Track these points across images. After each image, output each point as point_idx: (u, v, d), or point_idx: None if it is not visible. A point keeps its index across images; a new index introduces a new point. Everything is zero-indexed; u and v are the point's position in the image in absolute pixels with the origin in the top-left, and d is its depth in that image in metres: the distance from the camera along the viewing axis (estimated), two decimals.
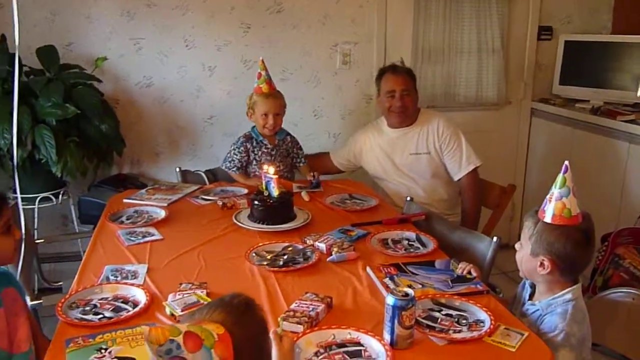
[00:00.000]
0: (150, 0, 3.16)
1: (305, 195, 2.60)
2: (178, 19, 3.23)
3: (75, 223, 3.17)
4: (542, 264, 1.64)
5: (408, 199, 2.55)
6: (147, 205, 2.46)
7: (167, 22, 3.22)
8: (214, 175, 2.99)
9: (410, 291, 1.47)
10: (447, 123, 2.86)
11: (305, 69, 3.48)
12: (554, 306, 1.67)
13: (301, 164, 3.00)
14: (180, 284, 1.73)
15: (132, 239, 2.10)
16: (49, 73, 2.85)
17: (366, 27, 3.50)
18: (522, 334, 1.53)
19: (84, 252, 2.06)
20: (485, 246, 2.12)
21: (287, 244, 2.04)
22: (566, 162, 1.64)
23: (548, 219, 1.63)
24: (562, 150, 3.70)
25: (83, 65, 3.06)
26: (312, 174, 2.82)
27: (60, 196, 2.96)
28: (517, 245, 1.75)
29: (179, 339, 0.96)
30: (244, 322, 1.06)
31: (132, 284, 1.74)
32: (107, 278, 1.79)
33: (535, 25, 3.82)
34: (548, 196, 1.66)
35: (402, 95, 2.84)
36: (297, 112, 3.50)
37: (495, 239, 2.08)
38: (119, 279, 1.78)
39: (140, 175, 3.36)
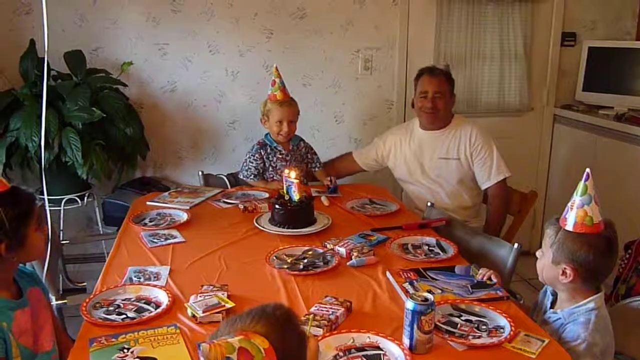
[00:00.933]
0: (175, 6, 3.21)
1: (325, 200, 2.61)
2: (203, 24, 3.27)
3: (99, 225, 3.22)
4: (564, 273, 1.64)
5: (429, 204, 2.55)
6: (169, 208, 2.50)
7: (192, 27, 3.26)
8: (236, 179, 3.02)
9: (429, 296, 1.47)
10: (480, 131, 2.85)
11: (326, 74, 3.50)
12: (576, 315, 1.66)
13: (317, 169, 3.01)
14: (202, 285, 1.75)
15: (155, 241, 2.13)
16: (75, 77, 2.91)
17: (388, 32, 3.51)
18: (543, 341, 1.52)
19: (108, 253, 2.10)
20: (506, 252, 2.11)
21: (307, 248, 2.06)
22: (587, 170, 1.63)
23: (570, 226, 1.63)
24: (585, 157, 3.67)
25: (109, 70, 3.12)
26: (329, 178, 2.84)
27: (86, 198, 3.02)
28: (538, 253, 1.74)
29: (234, 356, 0.98)
30: (286, 337, 1.06)
31: (155, 285, 1.76)
32: (130, 279, 1.82)
33: (558, 31, 3.79)
34: (569, 204, 1.65)
35: (434, 97, 2.83)
36: (318, 117, 3.53)
37: (516, 245, 2.07)
38: (141, 280, 1.81)
39: (164, 178, 3.41)
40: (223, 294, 1.68)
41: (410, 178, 2.93)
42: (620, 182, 3.36)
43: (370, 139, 3.51)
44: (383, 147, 3.03)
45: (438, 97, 2.82)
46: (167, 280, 1.82)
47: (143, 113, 3.28)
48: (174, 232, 2.22)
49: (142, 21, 3.21)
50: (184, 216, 2.38)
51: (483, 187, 2.85)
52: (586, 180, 1.64)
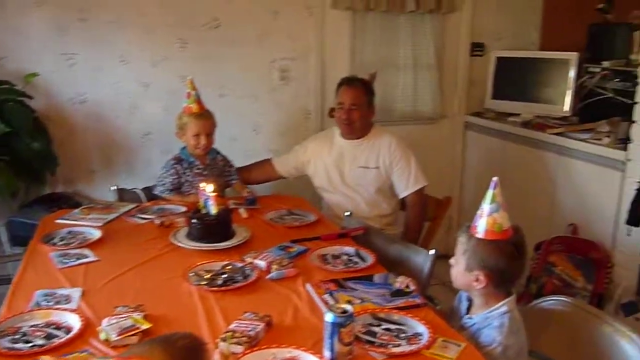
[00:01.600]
0: (83, 14, 3.10)
1: (243, 212, 2.58)
2: (113, 34, 3.17)
3: (5, 245, 3.04)
4: (477, 279, 1.69)
5: (347, 213, 2.57)
6: (81, 225, 2.39)
7: (102, 37, 3.16)
8: (151, 193, 2.94)
9: (348, 307, 1.48)
10: (399, 141, 2.91)
11: (243, 85, 3.47)
12: (490, 319, 1.71)
13: (234, 182, 2.97)
14: (116, 307, 1.68)
15: (66, 261, 2.04)
16: None
17: (304, 43, 3.53)
18: (460, 345, 1.57)
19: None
20: (423, 259, 2.16)
21: (226, 263, 2.02)
22: (494, 179, 1.69)
23: (480, 234, 1.68)
24: (495, 162, 3.82)
25: (14, 81, 2.96)
26: (246, 190, 2.81)
27: None
28: (451, 261, 1.79)
29: None
30: None
31: (65, 309, 1.68)
32: (38, 303, 1.72)
33: (467, 42, 3.94)
34: (479, 212, 1.71)
35: (350, 108, 2.86)
36: (235, 129, 3.49)
37: (432, 251, 2.12)
38: (51, 304, 1.72)
39: (75, 194, 3.27)
40: (139, 315, 1.62)
41: (330, 187, 2.95)
42: (529, 185, 3.52)
43: (288, 148, 3.50)
44: (303, 155, 3.04)
45: (354, 109, 2.85)
46: (78, 303, 1.74)
47: (51, 126, 3.13)
48: (86, 251, 2.13)
49: (48, 30, 3.07)
50: (97, 234, 2.29)
51: (401, 196, 2.92)
52: (494, 188, 1.70)
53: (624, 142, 2.98)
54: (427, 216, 2.90)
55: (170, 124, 2.96)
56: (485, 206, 1.69)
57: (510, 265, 1.70)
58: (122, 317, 1.60)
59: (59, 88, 3.15)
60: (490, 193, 1.69)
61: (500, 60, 3.95)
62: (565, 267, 3.15)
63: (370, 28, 3.63)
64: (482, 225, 1.68)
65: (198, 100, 2.77)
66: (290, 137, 3.60)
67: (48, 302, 1.73)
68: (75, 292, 1.80)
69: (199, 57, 3.34)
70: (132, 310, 1.66)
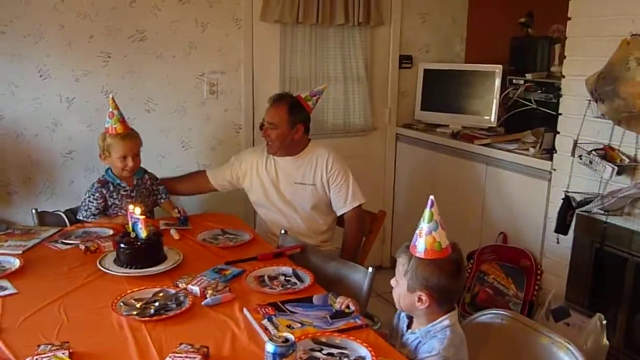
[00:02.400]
0: None
1: (175, 234, 2.49)
2: (30, 47, 3.00)
3: None
4: (420, 299, 1.68)
5: (282, 231, 2.52)
6: None
7: (18, 50, 2.97)
8: (75, 215, 2.79)
9: (290, 336, 1.43)
10: (336, 158, 2.87)
11: (171, 99, 3.37)
12: (433, 332, 1.71)
13: (162, 200, 2.86)
14: (39, 345, 1.56)
15: None
16: None
17: (233, 56, 3.46)
18: None
19: None
20: (361, 276, 2.13)
21: (158, 289, 1.93)
22: (431, 197, 1.69)
23: (420, 253, 1.67)
24: (426, 173, 3.88)
25: None
26: (177, 209, 2.72)
27: None
28: (392, 282, 1.77)
29: None
30: None
31: None
32: None
33: (396, 54, 3.99)
34: (418, 231, 1.69)
35: (268, 127, 2.81)
36: (164, 144, 3.39)
37: (370, 269, 2.10)
38: None
39: None
40: (64, 353, 1.51)
41: (266, 202, 2.89)
42: (459, 195, 3.58)
43: (220, 163, 3.43)
44: (239, 168, 2.96)
45: (271, 127, 2.80)
46: None
47: None
48: (4, 283, 1.98)
49: None
50: (16, 263, 2.13)
51: (339, 213, 2.89)
52: (431, 207, 1.69)
53: (549, 152, 3.08)
54: (365, 231, 2.88)
55: (95, 141, 2.82)
56: (424, 225, 1.68)
57: (452, 283, 1.69)
58: (45, 357, 1.49)
59: None
60: (427, 212, 1.69)
61: (428, 72, 4.01)
62: (497, 276, 3.21)
63: (299, 41, 3.61)
64: (421, 244, 1.67)
65: (122, 120, 2.64)
66: (221, 151, 3.53)
67: None
68: None
69: (124, 70, 3.21)
70: (56, 348, 1.54)
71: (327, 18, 3.56)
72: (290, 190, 2.87)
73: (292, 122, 2.81)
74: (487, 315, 1.99)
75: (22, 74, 3.02)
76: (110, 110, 2.62)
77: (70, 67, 3.11)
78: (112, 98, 2.64)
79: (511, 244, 3.29)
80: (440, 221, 1.69)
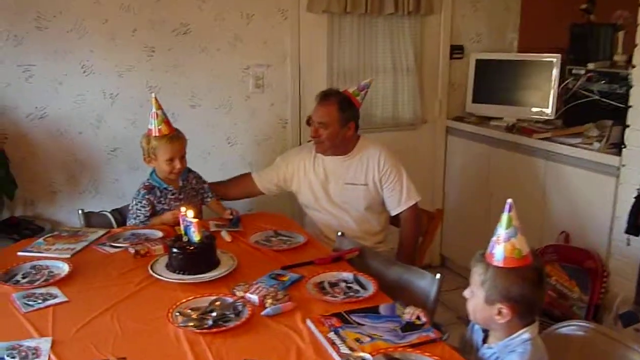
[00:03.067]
0: (41, 22, 2.84)
1: (226, 236, 2.37)
2: (73, 42, 2.92)
3: None
4: (499, 312, 1.53)
5: (339, 234, 2.39)
6: (46, 258, 2.14)
7: (62, 46, 2.90)
8: (122, 216, 2.71)
9: (367, 356, 1.30)
10: (388, 155, 2.72)
11: (216, 94, 3.26)
12: (512, 347, 1.57)
13: (209, 199, 2.73)
14: None
15: (30, 303, 1.80)
16: None
17: (279, 48, 3.34)
18: None
19: None
20: (427, 283, 1.99)
21: (214, 298, 1.82)
22: (509, 201, 1.54)
23: (499, 262, 1.53)
24: (479, 168, 3.70)
25: None
26: (229, 210, 2.60)
27: None
28: (466, 293, 1.63)
29: None
30: None
31: None
32: None
33: (447, 44, 3.81)
34: (495, 238, 1.55)
35: (318, 127, 2.67)
36: (209, 140, 3.29)
37: (438, 275, 1.96)
38: (17, 359, 1.49)
39: (36, 217, 3.00)
40: None
41: (316, 204, 2.76)
42: (516, 191, 3.38)
43: (266, 160, 3.34)
44: (286, 170, 2.83)
45: (321, 127, 2.66)
46: (49, 357, 1.51)
47: (8, 145, 2.87)
48: (54, 290, 1.89)
49: (1, 40, 2.80)
50: (65, 268, 2.04)
51: (393, 213, 2.74)
52: (509, 211, 1.54)
53: (616, 146, 2.89)
54: (421, 231, 2.74)
55: (139, 139, 2.74)
56: (502, 231, 1.54)
57: (535, 294, 1.55)
58: None
59: (15, 103, 2.88)
60: (505, 216, 1.54)
61: (480, 62, 3.83)
62: (559, 278, 3.03)
63: (347, 32, 3.46)
64: (499, 252, 1.53)
65: (166, 120, 2.50)
66: (267, 147, 3.42)
67: (13, 357, 1.50)
68: (45, 343, 1.57)
69: (168, 65, 3.12)
70: None
71: (376, 7, 3.40)
72: (341, 192, 2.73)
73: (343, 120, 2.67)
74: (568, 327, 1.83)
75: (65, 70, 2.95)
76: (154, 110, 2.49)
77: (114, 62, 3.02)
78: (155, 97, 2.50)
79: (574, 243, 3.11)
80: (519, 227, 1.54)
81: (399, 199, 2.69)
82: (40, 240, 2.32)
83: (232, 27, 3.21)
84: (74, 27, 2.90)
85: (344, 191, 2.72)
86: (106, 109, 3.06)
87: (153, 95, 2.52)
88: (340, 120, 2.66)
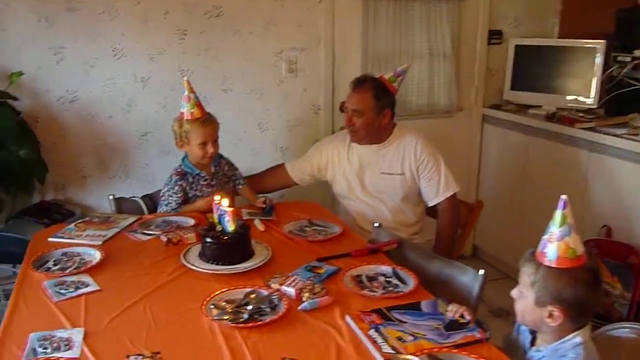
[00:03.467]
0: (72, 3, 2.79)
1: (259, 225, 2.31)
2: (105, 24, 2.87)
3: None
4: (550, 315, 1.45)
5: (376, 224, 2.31)
6: (77, 244, 2.10)
7: (93, 28, 2.86)
8: (153, 201, 2.66)
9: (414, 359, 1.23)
10: (426, 143, 2.63)
11: (248, 78, 3.19)
12: (562, 350, 1.49)
13: (241, 186, 2.67)
14: (128, 356, 1.41)
15: (62, 292, 1.75)
16: None
17: (313, 32, 3.25)
18: None
19: (7, 297, 1.72)
20: (469, 279, 1.90)
21: (249, 290, 1.76)
22: (563, 197, 1.45)
23: (551, 262, 1.44)
24: (516, 157, 3.58)
25: None
26: (263, 198, 2.54)
27: None
28: (514, 293, 1.54)
29: None
30: None
31: (68, 359, 1.41)
32: (34, 351, 1.45)
33: (485, 29, 3.68)
34: (547, 236, 1.46)
35: (352, 115, 2.58)
36: (240, 126, 3.23)
37: (481, 272, 1.87)
38: (48, 351, 1.45)
39: (67, 201, 2.98)
40: None
41: (350, 194, 2.68)
42: (555, 183, 3.28)
43: (298, 146, 3.27)
44: (320, 159, 2.75)
45: (355, 115, 2.57)
46: (82, 349, 1.46)
47: (38, 128, 2.85)
48: (85, 278, 1.85)
49: (33, 22, 2.76)
50: (97, 255, 2.00)
51: (430, 204, 2.65)
52: (563, 208, 1.45)
53: None
54: (459, 223, 2.64)
55: (171, 122, 2.68)
56: (555, 229, 1.45)
57: (590, 296, 1.46)
58: None
59: (46, 86, 2.85)
60: (559, 214, 1.45)
61: (520, 48, 3.69)
62: (603, 275, 2.91)
63: (383, 16, 3.36)
64: (552, 251, 1.44)
65: (199, 104, 2.44)
66: (299, 133, 3.35)
67: (45, 348, 1.46)
68: (77, 334, 1.52)
69: (200, 48, 3.06)
70: (147, 359, 1.39)
71: None
72: (377, 182, 2.65)
73: (378, 108, 2.57)
74: (620, 329, 1.73)
75: (97, 53, 2.90)
76: (186, 93, 2.43)
77: (145, 45, 2.97)
78: (187, 80, 2.44)
79: (616, 238, 2.99)
80: (574, 225, 1.45)
81: (437, 189, 2.60)
82: (72, 226, 2.28)
83: (266, 9, 3.13)
84: (106, 8, 2.85)
85: (380, 181, 2.64)
86: (137, 93, 3.01)
87: (185, 78, 2.46)
88: (375, 108, 2.57)
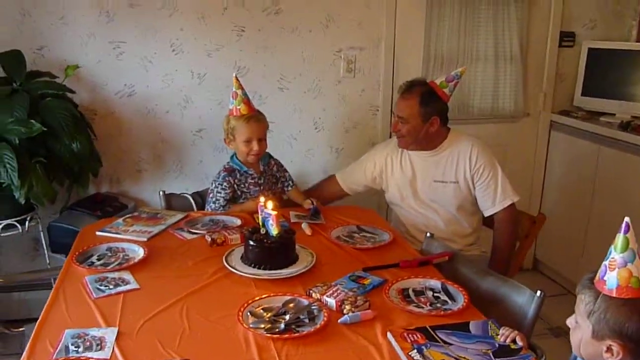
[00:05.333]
0: None
1: (307, 228, 2.24)
2: (164, 20, 2.88)
3: (46, 251, 2.79)
4: (609, 349, 1.30)
5: (428, 234, 2.20)
6: (123, 240, 2.10)
7: (152, 23, 2.87)
8: (202, 199, 2.64)
9: None
10: (482, 149, 2.49)
11: (305, 77, 3.13)
12: None
13: (290, 188, 2.61)
14: None
15: (102, 288, 1.74)
16: (14, 83, 2.49)
17: (373, 31, 3.16)
18: None
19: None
20: (525, 300, 1.77)
21: (288, 298, 1.69)
22: (626, 219, 1.29)
23: (611, 291, 1.29)
24: (585, 168, 3.37)
25: (56, 72, 2.70)
26: (310, 200, 2.47)
27: (27, 222, 2.58)
28: (570, 322, 1.40)
29: None
30: None
31: None
32: (66, 348, 1.43)
33: (556, 30, 3.49)
34: (607, 262, 1.31)
35: (398, 121, 2.48)
36: (296, 125, 3.17)
37: (539, 293, 1.73)
38: (80, 349, 1.42)
39: (121, 194, 3.01)
40: None
41: (402, 202, 2.58)
42: (628, 198, 3.06)
43: (353, 147, 3.20)
44: (373, 169, 2.64)
45: (402, 122, 2.47)
46: (112, 350, 1.43)
47: (96, 121, 2.88)
48: (126, 276, 1.83)
49: (94, 17, 2.79)
50: (140, 252, 1.98)
51: (487, 214, 2.51)
52: (626, 232, 1.29)
53: None
54: (519, 235, 2.50)
55: None
56: (616, 255, 1.29)
57: None
58: None
59: (105, 80, 2.88)
60: (621, 238, 1.29)
61: (593, 52, 3.49)
62: None
63: (447, 14, 3.23)
64: (613, 279, 1.29)
65: (246, 100, 2.41)
66: (355, 134, 3.27)
67: (77, 347, 1.43)
68: (110, 334, 1.50)
69: (257, 46, 3.02)
70: None
71: None
72: (430, 190, 2.53)
73: (425, 115, 2.45)
74: None
75: (155, 49, 2.91)
76: (234, 90, 2.40)
77: (203, 42, 2.96)
78: (236, 77, 2.41)
79: None
80: (638, 251, 1.30)
81: (494, 199, 2.46)
82: (120, 220, 2.28)
83: (325, 7, 3.06)
84: (165, 4, 2.85)
85: (432, 189, 2.52)
86: (193, 89, 3.00)
87: (234, 74, 2.43)
88: (421, 115, 2.45)
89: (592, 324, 1.32)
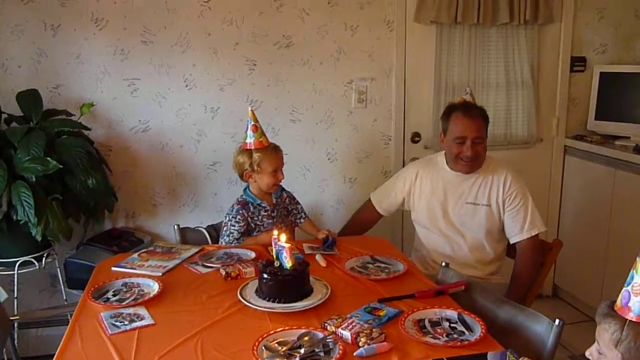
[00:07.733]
0: (146, 36, 2.87)
1: (321, 260, 2.24)
2: (177, 57, 2.93)
3: (63, 287, 2.81)
4: None
5: (443, 264, 2.18)
6: (138, 275, 2.10)
7: (165, 60, 2.92)
8: (217, 232, 2.65)
9: None
10: (516, 176, 2.50)
11: (317, 109, 3.16)
12: None
13: (302, 220, 2.61)
14: None
15: (117, 324, 1.74)
16: (32, 121, 2.53)
17: (384, 61, 3.19)
18: None
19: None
20: (544, 329, 1.75)
21: (303, 331, 1.68)
22: None
23: (638, 316, 1.27)
24: (601, 192, 3.35)
25: (72, 110, 2.76)
26: (325, 230, 2.47)
27: (44, 259, 2.60)
28: (591, 353, 1.36)
29: None
30: None
31: None
32: None
33: (567, 56, 3.50)
34: (629, 287, 1.28)
35: (475, 143, 2.45)
36: (309, 156, 3.19)
37: (557, 321, 1.71)
38: None
39: (137, 229, 3.03)
40: None
41: (429, 224, 2.57)
42: None
43: (367, 177, 3.21)
44: (403, 189, 2.65)
45: (478, 143, 2.45)
46: None
47: (112, 156, 2.92)
48: (141, 311, 1.83)
49: (109, 54, 2.85)
50: (155, 287, 1.99)
51: (512, 241, 2.50)
52: None
53: None
54: (539, 266, 2.47)
55: None
56: (639, 279, 1.27)
57: None
58: None
59: (120, 116, 2.93)
60: None
61: (605, 76, 3.49)
62: None
63: (457, 44, 3.25)
64: (637, 305, 1.27)
65: (264, 133, 2.45)
66: (368, 163, 3.28)
67: None
68: None
69: (269, 79, 3.07)
70: None
71: (489, 17, 3.17)
72: (460, 212, 2.52)
73: (487, 132, 2.51)
74: None
75: (169, 85, 2.96)
76: (253, 123, 2.42)
77: (216, 76, 3.00)
78: (252, 110, 2.44)
79: None
80: None
81: (522, 226, 2.45)
82: (135, 255, 2.30)
83: (336, 39, 3.10)
84: (178, 41, 2.91)
85: (464, 211, 2.51)
86: (207, 123, 3.03)
87: (250, 108, 2.45)
88: (486, 133, 2.51)
89: (621, 352, 1.29)
